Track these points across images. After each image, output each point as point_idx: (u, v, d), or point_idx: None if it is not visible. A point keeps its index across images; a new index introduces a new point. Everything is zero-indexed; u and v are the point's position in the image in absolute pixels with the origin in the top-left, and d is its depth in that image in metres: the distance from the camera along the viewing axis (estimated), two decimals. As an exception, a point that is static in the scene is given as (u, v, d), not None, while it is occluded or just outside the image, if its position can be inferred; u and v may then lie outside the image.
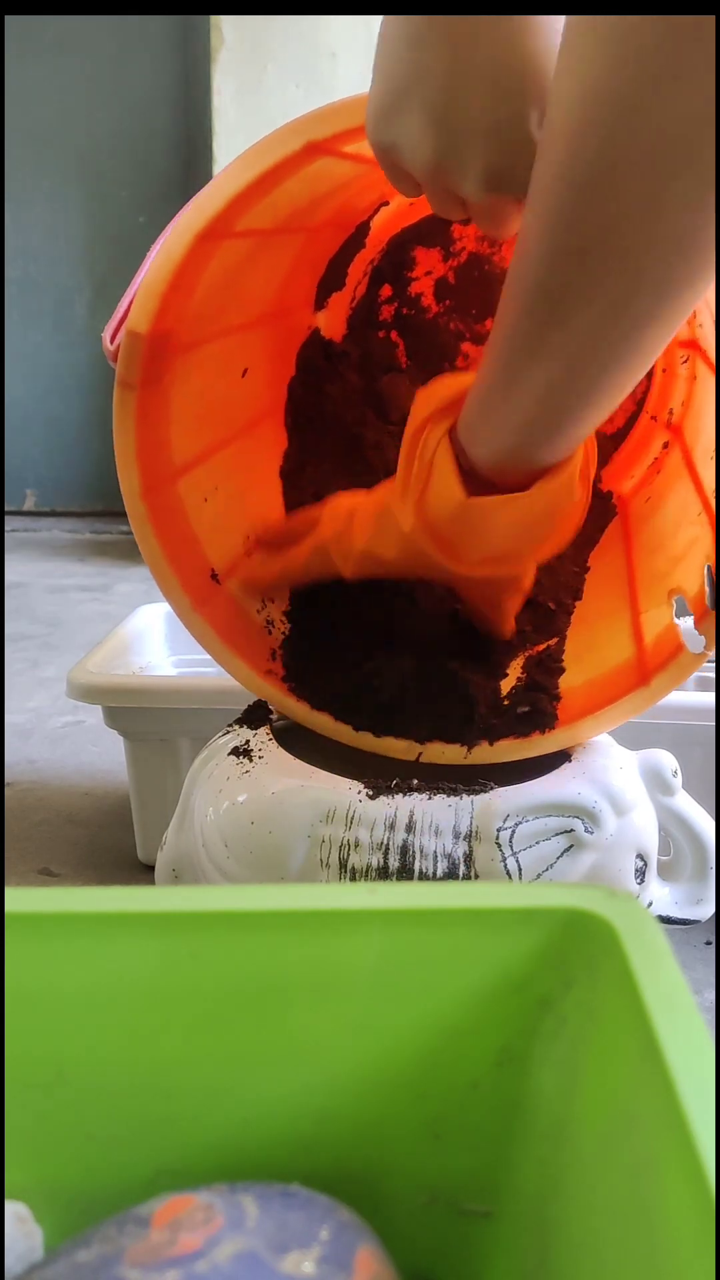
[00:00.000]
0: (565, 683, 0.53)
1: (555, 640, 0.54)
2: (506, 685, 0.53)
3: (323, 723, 0.53)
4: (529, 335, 0.36)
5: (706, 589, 0.47)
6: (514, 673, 0.53)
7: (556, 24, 0.36)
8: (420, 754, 0.52)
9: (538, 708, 0.51)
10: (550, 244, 0.34)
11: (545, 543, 0.45)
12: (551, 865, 0.46)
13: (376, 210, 0.55)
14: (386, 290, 0.59)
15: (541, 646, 0.53)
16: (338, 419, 0.59)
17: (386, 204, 0.55)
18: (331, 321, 0.59)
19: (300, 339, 0.58)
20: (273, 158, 0.45)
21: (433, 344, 0.60)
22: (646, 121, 0.29)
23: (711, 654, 0.48)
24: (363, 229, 0.56)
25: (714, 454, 0.48)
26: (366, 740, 0.53)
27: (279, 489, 0.59)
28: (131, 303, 0.46)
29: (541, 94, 0.36)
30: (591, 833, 0.46)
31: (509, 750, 0.52)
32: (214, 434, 0.54)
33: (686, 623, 0.49)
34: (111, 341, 0.47)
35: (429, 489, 0.44)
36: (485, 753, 0.52)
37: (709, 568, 0.47)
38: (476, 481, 0.43)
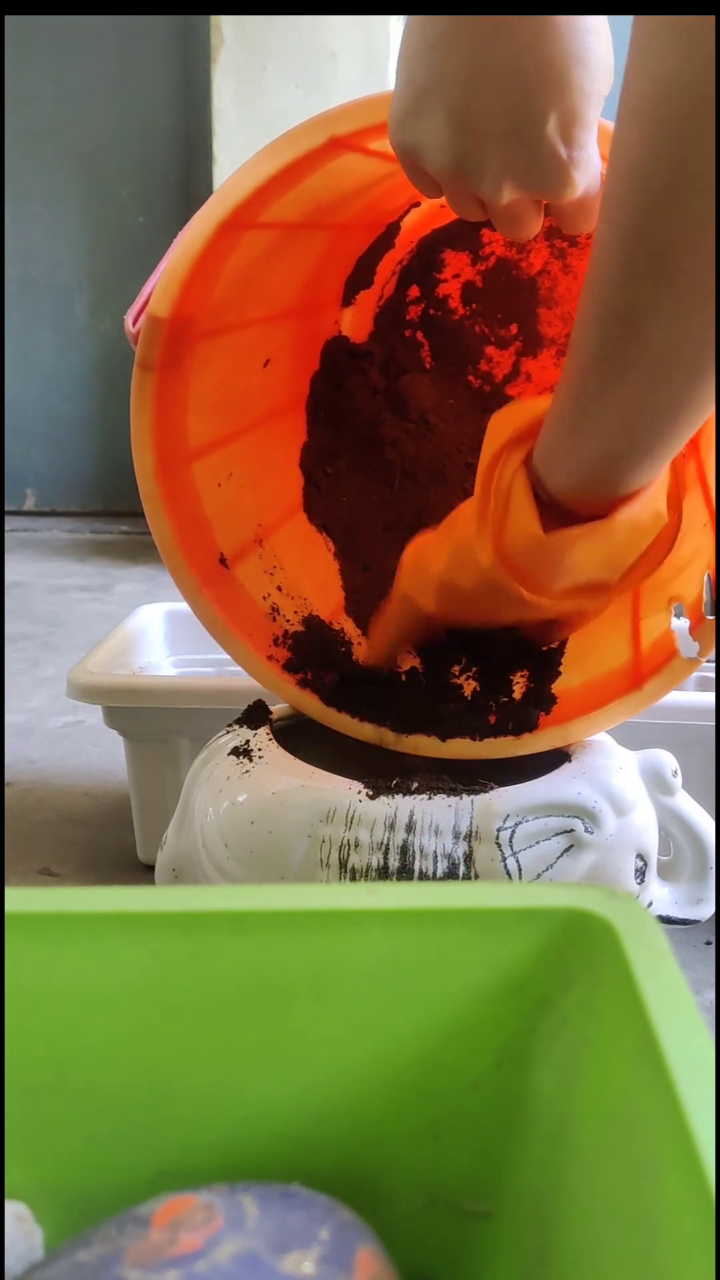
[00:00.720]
0: (562, 684, 0.53)
1: (558, 644, 0.54)
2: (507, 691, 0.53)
3: (312, 705, 0.54)
4: (607, 354, 0.35)
5: (705, 597, 0.47)
6: (519, 682, 0.53)
7: (577, 27, 0.36)
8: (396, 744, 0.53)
9: (529, 710, 0.52)
10: (626, 255, 0.33)
11: (632, 572, 0.43)
12: (551, 865, 0.46)
13: (407, 211, 0.55)
14: (414, 291, 0.59)
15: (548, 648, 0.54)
16: (358, 415, 0.59)
17: (417, 205, 0.55)
18: (358, 319, 0.59)
19: (326, 335, 0.59)
20: (296, 150, 0.45)
21: (457, 346, 0.60)
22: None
23: (704, 659, 0.48)
24: (393, 229, 0.56)
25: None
26: (343, 721, 0.53)
27: (295, 480, 0.59)
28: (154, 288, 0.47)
29: (561, 97, 0.36)
30: (591, 833, 0.46)
31: (500, 748, 0.52)
32: (232, 422, 0.55)
33: (683, 628, 0.49)
34: (134, 324, 0.48)
35: (506, 523, 0.42)
36: (476, 748, 0.52)
37: (709, 576, 0.47)
38: (555, 511, 0.41)
